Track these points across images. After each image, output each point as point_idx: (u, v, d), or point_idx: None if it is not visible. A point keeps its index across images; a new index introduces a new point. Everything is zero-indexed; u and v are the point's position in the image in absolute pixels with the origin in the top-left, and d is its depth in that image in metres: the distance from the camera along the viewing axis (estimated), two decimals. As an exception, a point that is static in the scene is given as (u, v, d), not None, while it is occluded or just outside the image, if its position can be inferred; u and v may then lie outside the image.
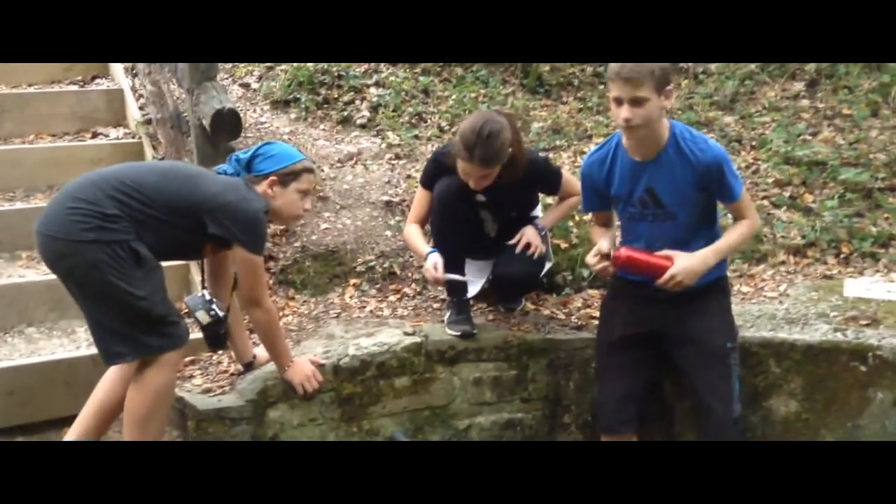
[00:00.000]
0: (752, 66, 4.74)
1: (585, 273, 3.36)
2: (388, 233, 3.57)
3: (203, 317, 2.51)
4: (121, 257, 2.25)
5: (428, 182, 2.98)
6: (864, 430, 2.71)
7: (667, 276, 2.45)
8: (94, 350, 2.85)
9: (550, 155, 4.06)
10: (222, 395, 2.69)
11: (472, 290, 3.11)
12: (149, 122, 4.16)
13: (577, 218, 3.51)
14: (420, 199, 3.04)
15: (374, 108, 4.44)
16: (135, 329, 2.30)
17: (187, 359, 2.85)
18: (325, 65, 4.57)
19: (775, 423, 2.83)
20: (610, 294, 2.92)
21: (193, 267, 3.26)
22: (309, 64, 4.55)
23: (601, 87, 4.75)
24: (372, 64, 4.78)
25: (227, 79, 4.60)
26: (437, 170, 2.94)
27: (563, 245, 3.42)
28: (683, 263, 2.45)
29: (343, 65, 4.62)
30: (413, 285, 3.33)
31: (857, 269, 3.31)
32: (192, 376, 2.81)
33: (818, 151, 3.92)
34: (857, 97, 4.36)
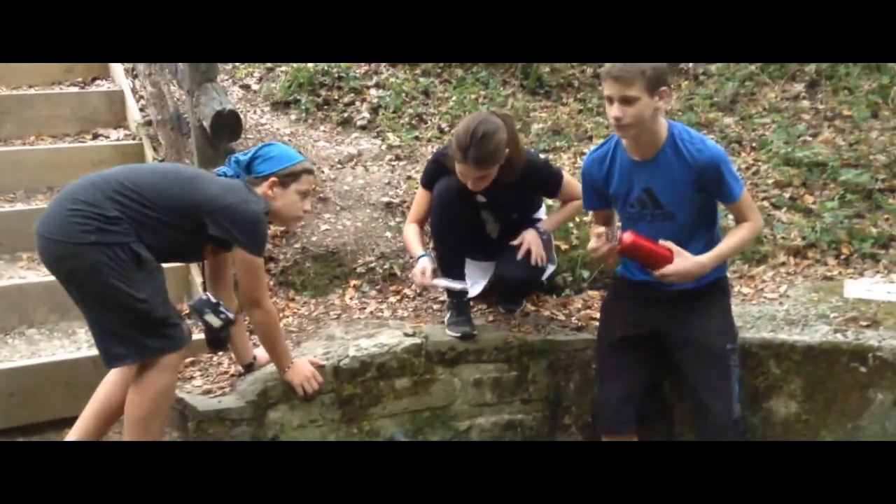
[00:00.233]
0: (753, 67, 4.74)
1: (585, 274, 3.36)
2: (389, 234, 3.57)
3: (213, 320, 2.50)
4: (122, 259, 2.25)
5: (428, 182, 2.98)
6: (865, 431, 2.71)
7: (661, 272, 2.44)
8: (94, 351, 2.85)
9: (550, 156, 4.06)
10: (222, 396, 2.69)
11: (474, 291, 3.11)
12: (149, 123, 4.16)
13: (577, 219, 3.51)
14: (420, 199, 3.05)
15: (375, 110, 4.45)
16: (135, 331, 2.30)
17: (187, 360, 2.86)
18: (326, 66, 4.57)
19: (775, 424, 2.83)
20: (610, 295, 2.92)
21: (193, 268, 3.27)
22: (309, 65, 4.55)
23: (601, 88, 4.73)
24: (372, 65, 4.78)
25: (227, 80, 4.60)
26: (437, 170, 2.94)
27: (564, 246, 3.42)
28: (680, 266, 2.44)
29: (343, 66, 4.62)
30: (413, 286, 3.33)
31: (857, 270, 3.31)
32: (192, 377, 2.81)
33: (818, 152, 3.92)
34: (857, 98, 4.36)
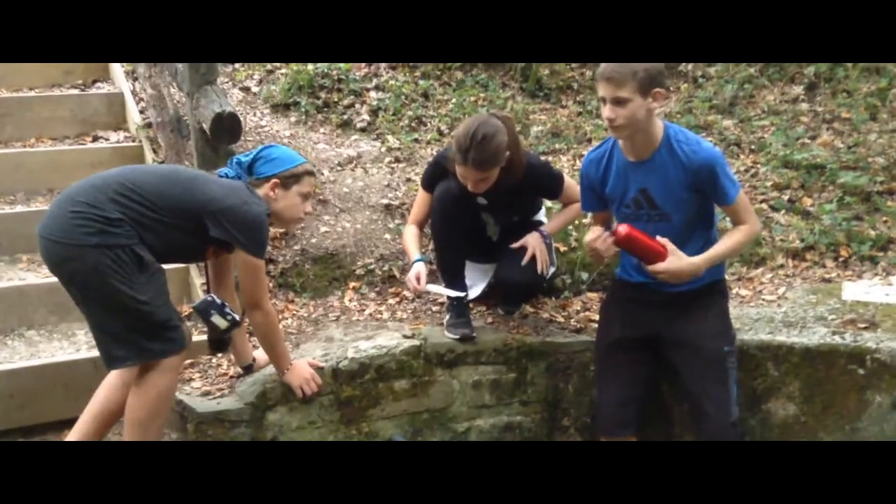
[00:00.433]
0: (752, 69, 4.74)
1: (584, 276, 3.37)
2: (388, 236, 3.58)
3: (220, 321, 2.50)
4: (123, 261, 2.25)
5: (428, 184, 2.99)
6: (863, 433, 2.71)
7: (653, 268, 2.44)
8: (94, 353, 2.86)
9: (550, 158, 4.07)
10: (221, 397, 2.70)
11: (473, 293, 3.12)
12: (149, 125, 4.17)
13: (576, 222, 3.52)
14: (420, 201, 3.05)
15: (374, 112, 4.45)
16: (136, 333, 2.31)
17: (186, 361, 2.86)
18: (325, 68, 4.58)
19: (774, 426, 2.83)
20: (608, 297, 2.93)
21: (193, 270, 3.27)
22: (309, 68, 4.56)
23: (600, 90, 4.75)
24: (372, 68, 4.79)
25: (227, 82, 4.61)
26: (438, 172, 2.95)
27: (563, 248, 3.42)
28: (673, 265, 2.44)
29: (343, 68, 4.63)
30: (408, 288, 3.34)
31: (855, 272, 3.32)
32: (191, 379, 2.81)
33: (817, 155, 3.93)
34: (855, 101, 4.36)
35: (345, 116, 4.41)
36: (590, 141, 4.30)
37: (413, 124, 4.39)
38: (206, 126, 3.13)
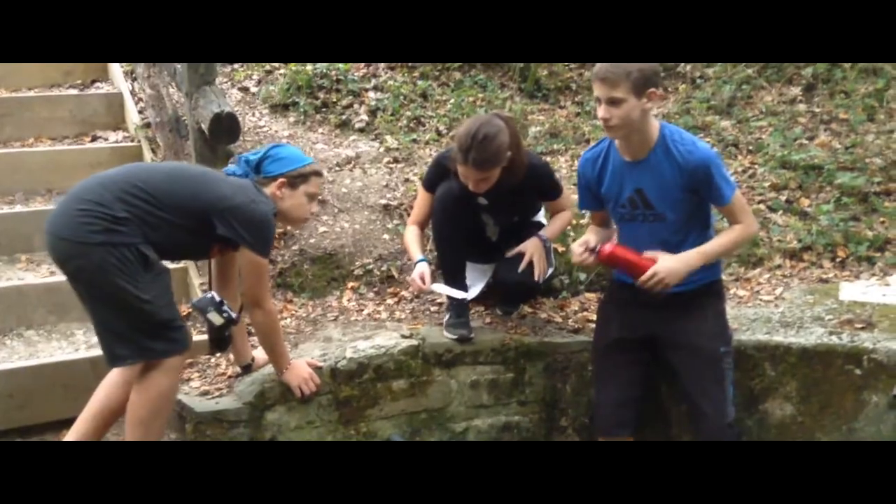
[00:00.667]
0: (750, 70, 4.75)
1: (582, 277, 3.37)
2: (386, 236, 3.58)
3: (216, 318, 2.51)
4: (129, 260, 2.26)
5: (429, 184, 2.99)
6: (860, 434, 2.72)
7: (647, 274, 2.45)
8: (92, 353, 2.88)
9: (548, 159, 4.08)
10: (220, 397, 2.71)
11: (472, 293, 3.12)
12: (148, 125, 4.17)
13: (574, 222, 3.52)
14: (421, 201, 3.06)
15: (373, 112, 4.46)
16: (139, 333, 2.31)
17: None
18: (324, 69, 4.58)
19: (771, 426, 2.84)
20: (606, 297, 2.93)
21: (192, 270, 3.28)
22: (307, 68, 4.56)
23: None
24: (370, 68, 4.79)
25: (225, 83, 4.61)
26: (439, 172, 2.95)
27: (561, 249, 3.43)
28: (665, 263, 2.45)
29: (342, 69, 4.63)
30: (411, 288, 3.34)
31: (852, 272, 3.32)
32: (189, 379, 2.82)
33: (815, 155, 3.94)
34: (853, 102, 4.37)
35: (343, 117, 4.41)
36: (588, 141, 4.30)
37: (411, 125, 4.40)
38: (204, 126, 3.14)
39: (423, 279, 2.85)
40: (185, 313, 3.00)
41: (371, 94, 4.59)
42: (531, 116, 4.59)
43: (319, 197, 2.96)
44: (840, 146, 4.04)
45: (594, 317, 3.02)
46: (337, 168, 3.98)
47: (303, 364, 2.72)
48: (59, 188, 3.84)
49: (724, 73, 4.80)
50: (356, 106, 4.51)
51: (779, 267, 3.40)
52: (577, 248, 2.57)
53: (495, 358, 3.00)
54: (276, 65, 4.78)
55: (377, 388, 2.86)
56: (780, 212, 3.69)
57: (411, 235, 3.03)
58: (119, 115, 4.42)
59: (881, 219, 3.56)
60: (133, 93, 4.47)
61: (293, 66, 4.62)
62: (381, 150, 4.17)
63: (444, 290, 2.93)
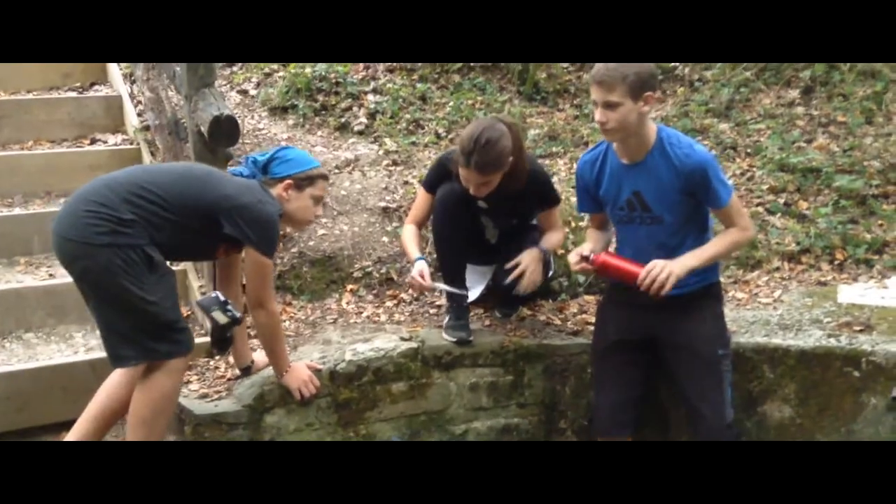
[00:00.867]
0: (748, 73, 4.75)
1: (581, 279, 3.37)
2: (385, 239, 3.59)
3: (220, 317, 2.51)
4: (134, 261, 2.27)
5: (430, 185, 2.99)
6: (858, 435, 2.72)
7: (644, 271, 2.45)
8: (91, 355, 2.88)
9: (547, 162, 4.08)
10: (219, 400, 2.71)
11: (471, 295, 3.12)
12: (147, 128, 4.17)
13: (573, 224, 3.53)
14: (420, 201, 3.05)
15: (372, 115, 4.46)
16: (143, 334, 2.32)
17: (184, 363, 2.86)
18: (323, 72, 4.59)
19: (769, 428, 2.85)
20: (605, 300, 2.94)
21: (191, 273, 3.28)
22: (307, 71, 4.57)
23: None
24: (370, 71, 4.80)
25: (225, 85, 4.62)
26: (441, 174, 2.95)
27: (560, 251, 3.43)
28: (660, 263, 2.45)
29: (341, 72, 4.64)
30: (410, 291, 3.35)
31: (851, 275, 3.33)
32: (189, 381, 2.82)
33: (813, 158, 3.94)
34: (851, 104, 4.37)
35: (342, 119, 4.42)
36: (586, 144, 4.30)
37: (411, 127, 4.40)
38: (203, 129, 3.13)
39: (422, 277, 2.84)
40: (185, 315, 3.00)
41: (370, 97, 4.59)
42: (530, 119, 4.60)
43: (325, 201, 2.97)
44: (838, 149, 4.04)
45: (593, 319, 3.02)
46: (336, 170, 3.98)
47: (302, 367, 2.72)
48: (57, 191, 3.84)
49: (722, 76, 4.80)
50: (355, 109, 4.51)
51: (777, 269, 3.41)
52: (573, 258, 2.59)
53: (494, 360, 3.00)
54: (275, 67, 4.78)
55: (376, 390, 2.86)
56: (779, 214, 3.69)
57: (409, 235, 3.02)
58: (118, 117, 4.42)
59: (879, 221, 3.56)
60: (132, 95, 4.47)
61: (292, 69, 4.62)
62: (381, 152, 4.17)
63: (445, 287, 2.93)
